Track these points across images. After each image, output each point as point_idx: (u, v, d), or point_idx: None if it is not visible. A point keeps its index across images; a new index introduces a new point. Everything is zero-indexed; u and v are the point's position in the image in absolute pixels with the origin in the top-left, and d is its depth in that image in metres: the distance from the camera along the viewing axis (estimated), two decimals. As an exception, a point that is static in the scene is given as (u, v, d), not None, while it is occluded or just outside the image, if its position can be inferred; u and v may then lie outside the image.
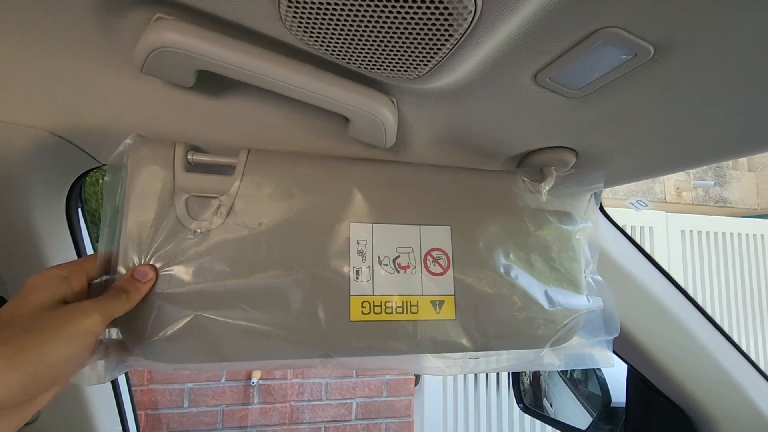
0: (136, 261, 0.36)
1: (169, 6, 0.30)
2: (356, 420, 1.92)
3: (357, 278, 0.40)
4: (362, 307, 0.40)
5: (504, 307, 0.43)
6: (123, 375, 0.64)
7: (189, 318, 0.36)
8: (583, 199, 0.50)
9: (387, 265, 0.41)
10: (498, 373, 2.66)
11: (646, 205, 2.77)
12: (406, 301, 0.41)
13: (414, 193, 0.44)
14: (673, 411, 0.70)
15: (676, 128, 0.38)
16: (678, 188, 3.86)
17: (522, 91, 0.34)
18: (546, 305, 0.45)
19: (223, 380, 1.79)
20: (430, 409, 2.43)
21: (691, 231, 3.18)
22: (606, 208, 0.66)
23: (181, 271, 0.37)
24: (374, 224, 0.42)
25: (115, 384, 0.61)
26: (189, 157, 0.40)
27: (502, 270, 0.44)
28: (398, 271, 0.41)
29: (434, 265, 0.43)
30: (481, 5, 0.25)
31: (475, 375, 2.63)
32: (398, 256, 0.42)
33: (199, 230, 0.38)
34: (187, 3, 0.30)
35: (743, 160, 4.37)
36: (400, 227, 0.43)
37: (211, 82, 0.37)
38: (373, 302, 0.40)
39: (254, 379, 1.80)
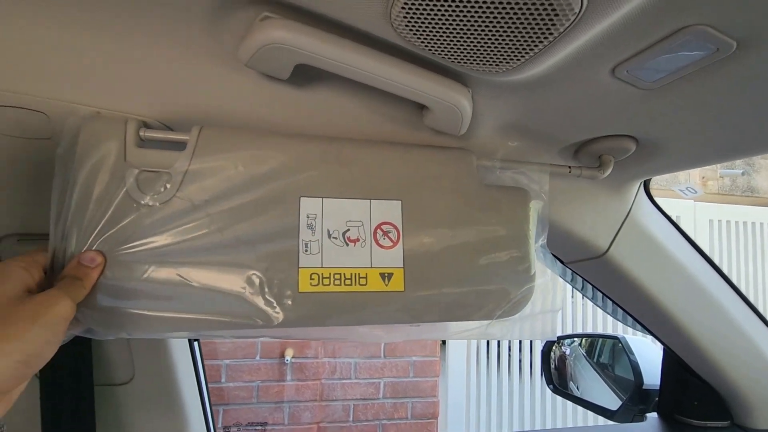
0: (85, 240, 0.36)
1: (277, 5, 0.33)
2: (384, 399, 2.00)
3: (306, 251, 0.41)
4: (311, 278, 0.40)
5: (452, 280, 0.44)
6: (197, 346, 0.70)
7: (134, 302, 0.37)
8: (541, 175, 0.51)
9: (336, 238, 0.42)
10: (521, 359, 2.70)
11: (696, 192, 2.69)
12: (355, 274, 0.42)
13: (364, 169, 0.44)
14: (707, 391, 0.73)
15: (741, 119, 0.39)
16: (704, 177, 3.77)
17: (597, 82, 0.36)
18: (494, 278, 0.45)
19: (258, 357, 1.88)
20: (453, 390, 2.50)
21: (719, 220, 3.13)
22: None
23: (128, 251, 0.37)
24: (324, 198, 0.42)
25: (192, 352, 0.67)
26: (141, 133, 0.40)
27: (451, 244, 0.45)
28: (347, 245, 0.42)
29: (384, 239, 0.43)
30: (586, 5, 0.26)
31: (498, 360, 2.68)
32: (348, 230, 0.43)
33: (149, 204, 0.38)
34: (295, 3, 0.32)
35: (775, 149, 4.21)
36: (350, 201, 0.43)
37: (300, 74, 0.39)
38: (322, 274, 0.41)
39: (288, 357, 1.88)
